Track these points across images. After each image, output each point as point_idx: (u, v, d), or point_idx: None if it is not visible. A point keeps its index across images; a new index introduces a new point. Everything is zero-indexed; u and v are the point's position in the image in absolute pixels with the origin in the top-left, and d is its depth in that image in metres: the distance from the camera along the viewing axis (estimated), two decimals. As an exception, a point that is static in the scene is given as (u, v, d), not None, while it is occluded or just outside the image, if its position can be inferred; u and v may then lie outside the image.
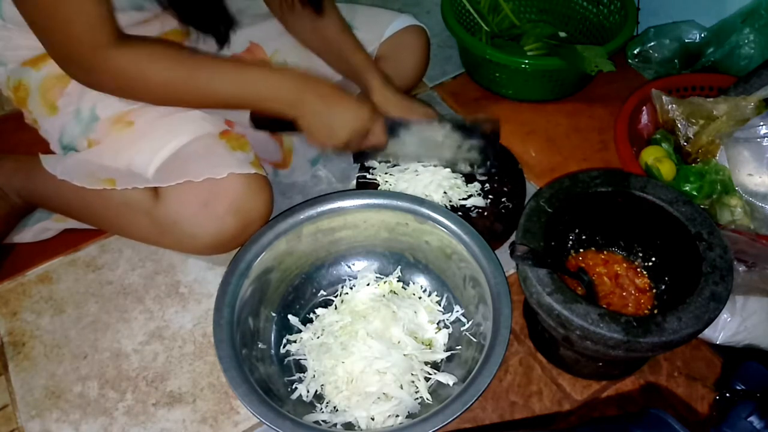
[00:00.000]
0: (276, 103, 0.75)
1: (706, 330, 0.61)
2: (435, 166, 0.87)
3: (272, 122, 0.80)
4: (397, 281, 0.80)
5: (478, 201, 0.86)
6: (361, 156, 0.88)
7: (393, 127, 0.83)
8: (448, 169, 0.87)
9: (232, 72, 0.72)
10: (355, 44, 0.88)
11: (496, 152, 0.87)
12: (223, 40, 0.77)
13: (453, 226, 0.74)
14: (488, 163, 0.87)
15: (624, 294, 0.73)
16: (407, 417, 0.67)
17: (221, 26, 0.76)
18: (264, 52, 0.91)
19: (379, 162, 0.89)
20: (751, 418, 0.47)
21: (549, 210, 0.69)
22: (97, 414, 0.74)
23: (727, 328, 0.73)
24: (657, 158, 0.88)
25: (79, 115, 0.79)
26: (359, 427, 0.67)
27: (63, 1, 0.62)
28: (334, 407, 0.69)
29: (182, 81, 0.71)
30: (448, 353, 0.73)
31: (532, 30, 1.15)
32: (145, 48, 0.69)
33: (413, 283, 0.81)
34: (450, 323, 0.76)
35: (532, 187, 0.96)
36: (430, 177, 0.85)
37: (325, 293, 0.80)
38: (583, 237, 0.77)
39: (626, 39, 1.03)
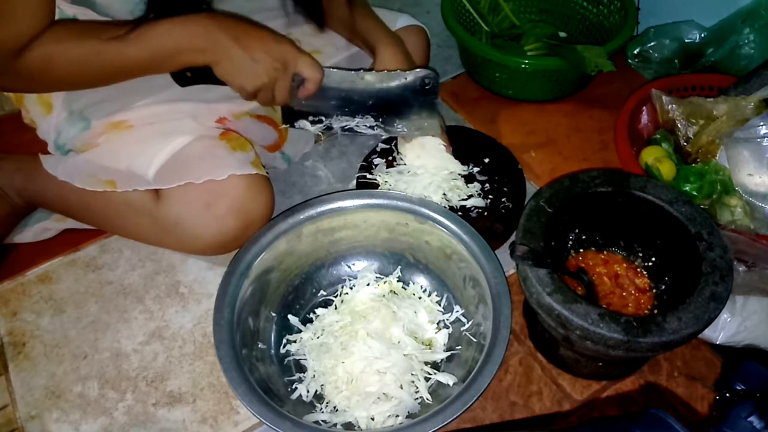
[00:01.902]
0: (187, 54, 0.70)
1: (706, 330, 0.61)
2: (371, 126, 0.83)
3: (194, 74, 0.74)
4: (397, 281, 0.80)
5: (478, 201, 0.86)
6: (291, 114, 0.82)
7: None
8: (447, 171, 0.87)
9: (137, 36, 0.68)
10: (362, 11, 0.86)
11: (433, 111, 0.83)
12: None
13: (453, 226, 0.74)
14: (426, 124, 0.83)
15: (624, 294, 0.73)
16: (407, 417, 0.67)
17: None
18: None
19: (311, 123, 0.83)
20: (751, 418, 0.47)
21: (549, 210, 0.69)
22: (97, 414, 0.74)
23: (727, 328, 0.73)
24: (657, 158, 0.88)
25: (71, 117, 0.79)
26: (359, 427, 0.67)
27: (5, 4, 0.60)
28: (334, 407, 0.69)
29: (88, 61, 0.67)
30: (448, 353, 0.73)
31: (532, 30, 1.15)
32: (48, 41, 0.65)
33: (413, 283, 0.81)
34: (450, 323, 0.76)
35: (532, 187, 0.96)
36: (429, 178, 0.85)
37: (325, 293, 0.80)
38: (583, 237, 0.77)
39: (626, 39, 1.03)
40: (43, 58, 0.65)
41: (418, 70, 0.80)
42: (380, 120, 0.83)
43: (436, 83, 0.80)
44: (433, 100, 0.81)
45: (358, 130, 0.84)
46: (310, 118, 0.82)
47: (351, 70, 0.79)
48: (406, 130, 0.84)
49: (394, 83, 0.80)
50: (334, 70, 0.78)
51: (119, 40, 0.67)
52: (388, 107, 0.82)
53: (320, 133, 0.85)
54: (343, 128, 0.84)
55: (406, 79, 0.80)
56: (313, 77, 0.75)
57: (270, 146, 0.92)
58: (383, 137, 0.91)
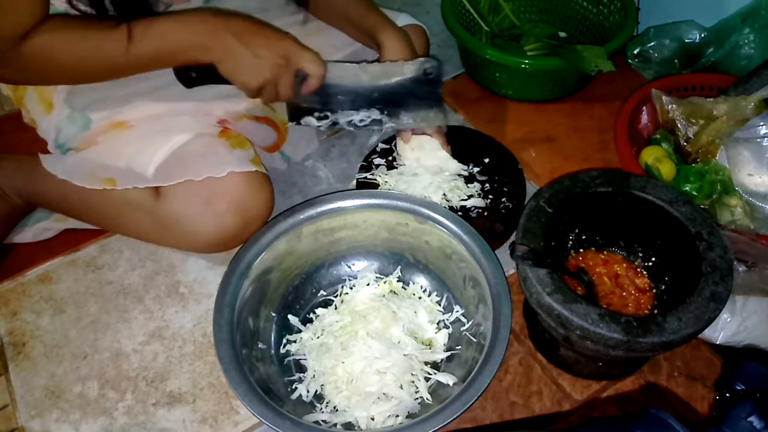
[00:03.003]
0: (190, 52, 0.70)
1: (706, 330, 0.61)
2: (377, 119, 0.83)
3: (199, 74, 0.74)
4: (397, 281, 0.80)
5: (478, 201, 0.86)
6: (297, 111, 0.83)
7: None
8: (447, 172, 0.87)
9: (140, 32, 0.68)
10: (366, 6, 0.86)
11: (438, 100, 0.82)
12: None
13: (453, 226, 0.74)
14: (432, 115, 0.83)
15: (624, 294, 0.73)
16: (407, 417, 0.67)
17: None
18: None
19: (317, 119, 0.83)
20: (751, 418, 0.47)
21: (549, 210, 0.69)
22: (97, 414, 0.74)
23: (727, 328, 0.73)
24: (657, 158, 0.88)
25: (72, 116, 0.79)
26: (359, 427, 0.67)
27: None
28: (334, 407, 0.69)
29: (90, 55, 0.68)
30: (448, 353, 0.73)
31: (532, 30, 1.15)
32: (48, 31, 0.65)
33: (413, 283, 0.81)
34: (450, 323, 0.76)
35: (532, 187, 0.96)
36: (429, 178, 0.85)
37: (325, 293, 0.80)
38: (583, 237, 0.77)
39: (626, 39, 1.03)
40: (43, 51, 0.65)
41: (420, 59, 0.80)
42: (385, 112, 0.83)
43: (440, 72, 0.80)
44: (437, 89, 0.81)
45: (364, 124, 0.84)
46: (316, 114, 0.82)
47: (354, 62, 0.79)
48: (412, 121, 0.84)
49: (397, 74, 0.80)
50: (337, 64, 0.78)
51: (121, 35, 0.67)
52: (393, 99, 0.82)
53: (326, 129, 0.84)
54: (348, 122, 0.83)
55: (408, 68, 0.79)
56: (315, 73, 0.75)
57: (269, 147, 0.92)
58: (388, 131, 0.90)
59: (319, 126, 0.84)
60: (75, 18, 0.69)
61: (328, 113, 0.82)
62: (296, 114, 0.83)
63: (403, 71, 0.80)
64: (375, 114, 0.83)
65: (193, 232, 0.77)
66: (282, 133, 0.94)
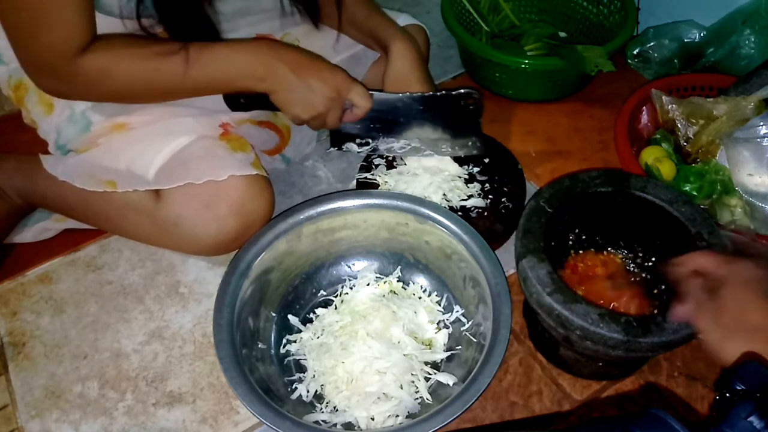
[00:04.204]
0: (246, 81, 0.73)
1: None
2: (416, 147, 0.85)
3: (247, 99, 0.77)
4: (397, 281, 0.80)
5: (478, 201, 0.86)
6: (339, 137, 0.85)
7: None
8: (447, 172, 0.87)
9: (197, 57, 0.70)
10: (370, 8, 0.86)
11: (477, 128, 0.84)
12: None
13: (453, 226, 0.74)
14: (470, 143, 0.85)
15: (623, 293, 0.73)
16: (407, 417, 0.67)
17: (204, 37, 0.73)
18: (273, 37, 0.90)
19: (358, 145, 0.85)
20: (751, 418, 0.47)
21: (549, 210, 0.69)
22: (97, 414, 0.74)
23: (727, 328, 0.73)
24: (657, 158, 0.88)
25: (72, 117, 0.79)
26: (359, 427, 0.67)
27: (44, 8, 0.61)
28: (334, 407, 0.69)
29: (147, 77, 0.69)
30: (448, 353, 0.73)
31: (532, 30, 1.15)
32: (107, 49, 0.67)
33: (413, 283, 0.81)
34: (450, 323, 0.76)
35: (532, 187, 0.96)
36: (429, 179, 0.85)
37: (325, 293, 0.80)
38: (583, 237, 0.77)
39: (626, 39, 1.03)
40: (100, 69, 0.67)
41: (462, 89, 0.81)
42: (425, 141, 0.85)
43: (481, 102, 0.82)
44: (477, 118, 0.84)
45: (403, 151, 0.86)
46: (357, 140, 0.85)
47: (398, 94, 0.81)
48: (451, 149, 0.86)
49: (439, 105, 0.82)
50: (382, 94, 0.81)
51: (180, 59, 0.69)
52: (433, 128, 0.84)
53: (364, 154, 0.87)
54: (388, 149, 0.86)
55: (450, 100, 0.81)
56: (363, 106, 0.78)
57: (270, 150, 0.93)
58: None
59: (359, 152, 0.86)
60: (134, 38, 0.70)
61: (369, 140, 0.85)
62: (338, 140, 0.85)
63: (445, 102, 0.82)
64: (415, 142, 0.85)
65: (193, 235, 0.77)
66: (285, 137, 0.94)
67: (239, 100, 0.77)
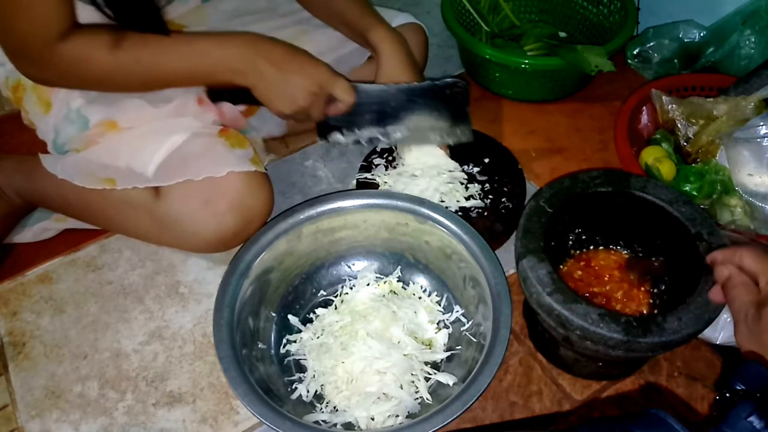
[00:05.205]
0: (227, 74, 0.72)
1: (706, 330, 0.61)
2: (405, 137, 0.85)
3: (230, 93, 0.77)
4: (397, 281, 0.80)
5: (478, 202, 0.86)
6: (326, 129, 0.84)
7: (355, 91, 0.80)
8: (446, 174, 0.87)
9: (177, 48, 0.70)
10: (362, 7, 0.86)
11: (464, 118, 0.84)
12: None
13: (453, 226, 0.74)
14: (458, 131, 0.85)
15: (622, 291, 0.73)
16: (407, 417, 0.67)
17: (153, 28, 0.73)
18: None
19: (344, 137, 0.84)
20: (751, 418, 0.47)
21: (549, 210, 0.69)
22: (97, 414, 0.74)
23: (727, 328, 0.73)
24: (657, 158, 0.88)
25: (69, 115, 0.79)
26: (359, 427, 0.67)
27: None
28: (334, 407, 0.69)
29: (128, 66, 0.69)
30: (448, 353, 0.73)
31: (532, 30, 1.15)
32: (88, 37, 0.67)
33: (413, 283, 0.81)
34: (450, 323, 0.76)
35: (532, 187, 0.96)
36: (429, 179, 0.85)
37: (325, 293, 0.80)
38: (584, 237, 0.77)
39: (626, 39, 1.03)
40: (80, 57, 0.67)
41: (447, 80, 0.81)
42: (413, 131, 0.84)
43: (466, 92, 0.82)
44: (464, 107, 0.83)
45: (390, 141, 0.85)
46: (344, 131, 0.84)
47: (383, 85, 0.81)
48: (439, 138, 0.86)
49: (424, 94, 0.82)
50: (365, 86, 0.80)
51: (159, 50, 0.69)
52: (420, 118, 0.83)
53: (353, 145, 0.86)
54: (374, 139, 0.85)
55: (436, 90, 0.81)
56: (346, 100, 0.78)
57: (243, 112, 0.91)
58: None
59: (346, 143, 0.85)
60: (115, 30, 0.70)
61: (356, 130, 0.84)
62: (324, 131, 0.85)
63: (431, 92, 0.81)
64: (403, 132, 0.84)
65: (192, 231, 0.77)
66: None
67: (222, 93, 0.77)
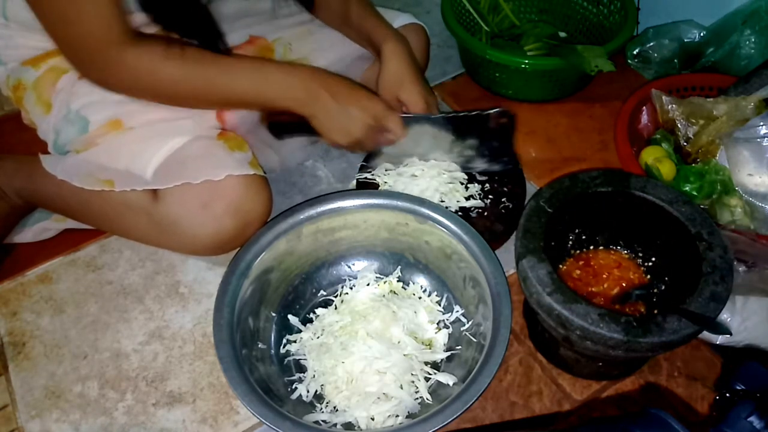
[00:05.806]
0: (288, 102, 0.75)
1: (706, 330, 0.61)
2: (438, 163, 0.87)
3: (289, 127, 0.81)
4: (397, 281, 0.80)
5: (478, 202, 0.86)
6: (373, 157, 0.88)
7: (406, 122, 0.82)
8: (446, 175, 0.87)
9: (245, 70, 0.72)
10: (366, 10, 0.87)
11: (510, 147, 0.87)
12: (212, 48, 0.75)
13: (453, 226, 0.74)
14: (504, 160, 0.87)
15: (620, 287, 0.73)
16: (407, 417, 0.67)
17: (207, 36, 0.74)
18: (265, 40, 0.90)
19: (394, 165, 0.88)
20: (751, 418, 0.47)
21: (549, 210, 0.69)
22: (97, 414, 0.74)
23: (727, 328, 0.73)
24: (657, 158, 0.88)
25: (68, 116, 0.79)
26: (359, 427, 0.67)
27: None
28: (334, 407, 0.69)
29: (194, 80, 0.70)
30: (448, 353, 0.73)
31: (532, 30, 1.15)
32: (159, 47, 0.68)
33: (413, 283, 0.81)
34: (450, 323, 0.76)
35: (532, 187, 0.96)
36: (429, 179, 0.85)
37: (325, 293, 0.80)
38: (583, 237, 0.77)
39: (626, 39, 1.03)
40: (147, 67, 0.68)
41: (496, 109, 0.83)
42: (458, 159, 0.88)
43: (512, 122, 0.84)
44: (509, 137, 0.86)
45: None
46: (393, 161, 0.88)
47: (431, 115, 0.83)
48: (486, 166, 0.88)
49: (473, 126, 0.84)
50: (417, 118, 0.82)
51: (229, 72, 0.71)
52: (467, 147, 0.86)
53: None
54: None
55: (482, 120, 0.83)
56: (398, 135, 0.82)
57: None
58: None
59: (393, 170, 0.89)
60: (186, 44, 0.71)
61: (403, 158, 0.88)
62: (372, 160, 0.88)
63: (477, 122, 0.83)
64: (449, 159, 0.87)
65: (190, 234, 0.77)
66: None
67: (283, 128, 0.82)
